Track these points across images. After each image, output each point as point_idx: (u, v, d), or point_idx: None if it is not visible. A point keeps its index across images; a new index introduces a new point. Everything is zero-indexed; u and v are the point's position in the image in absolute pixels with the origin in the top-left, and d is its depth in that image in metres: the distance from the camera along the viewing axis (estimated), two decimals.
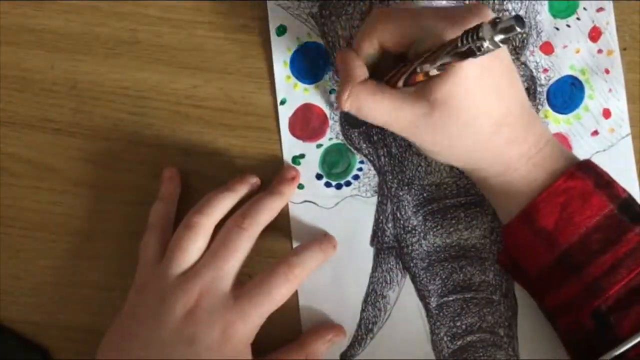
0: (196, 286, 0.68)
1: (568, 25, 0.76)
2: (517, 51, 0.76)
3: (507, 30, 0.55)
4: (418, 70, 0.64)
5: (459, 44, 0.58)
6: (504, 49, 0.66)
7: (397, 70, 0.67)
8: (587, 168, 0.67)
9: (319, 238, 0.74)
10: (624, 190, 0.67)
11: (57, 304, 0.77)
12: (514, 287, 0.76)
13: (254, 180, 0.75)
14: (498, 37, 0.56)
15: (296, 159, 0.77)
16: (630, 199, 0.67)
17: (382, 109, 0.67)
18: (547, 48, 0.76)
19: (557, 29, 0.76)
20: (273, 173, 0.76)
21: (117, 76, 0.77)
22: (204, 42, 0.77)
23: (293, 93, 0.77)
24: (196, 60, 0.77)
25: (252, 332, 0.69)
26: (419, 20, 0.65)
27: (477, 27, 0.56)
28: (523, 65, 0.76)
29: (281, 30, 0.76)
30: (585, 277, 0.66)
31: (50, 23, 0.77)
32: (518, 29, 0.54)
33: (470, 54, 0.58)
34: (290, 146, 0.77)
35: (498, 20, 0.56)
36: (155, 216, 0.75)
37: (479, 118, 0.65)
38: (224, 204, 0.72)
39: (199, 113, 0.77)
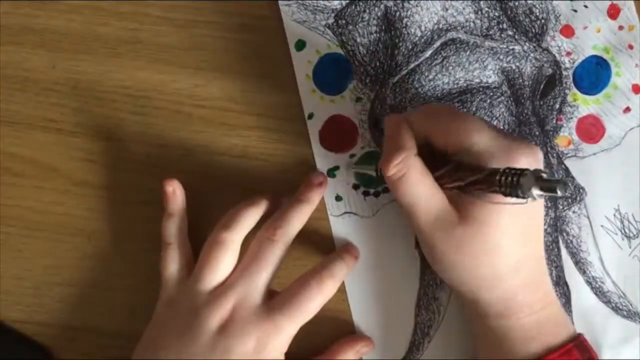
0: (229, 301, 0.68)
1: (585, 6, 0.76)
2: (537, 38, 0.76)
3: (548, 189, 0.54)
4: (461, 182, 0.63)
5: (498, 179, 0.57)
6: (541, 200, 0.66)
7: (443, 172, 0.65)
8: (583, 347, 0.66)
9: (339, 251, 0.74)
10: None
11: (58, 303, 0.75)
12: (564, 273, 0.75)
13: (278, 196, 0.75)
14: (536, 191, 0.54)
15: (331, 172, 0.76)
16: None
17: (424, 188, 0.64)
18: (568, 31, 0.76)
19: (575, 10, 0.76)
20: (273, 172, 0.76)
21: (118, 76, 0.77)
22: (205, 41, 0.78)
23: (320, 106, 0.77)
24: (197, 60, 0.77)
25: (286, 343, 0.69)
26: (472, 130, 0.63)
27: (521, 172, 0.55)
28: (545, 51, 0.76)
29: (300, 45, 0.77)
30: None
31: (51, 23, 0.78)
32: (559, 193, 0.53)
33: (504, 192, 0.57)
34: (324, 159, 0.76)
35: (543, 174, 0.55)
36: (171, 233, 0.73)
37: (504, 252, 0.63)
38: (251, 218, 0.72)
39: (200, 113, 0.77)
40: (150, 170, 0.76)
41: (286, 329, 0.68)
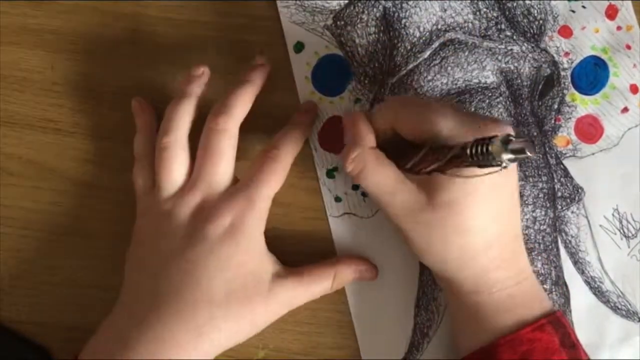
0: (196, 195, 0.70)
1: (583, 7, 0.77)
2: (535, 38, 0.77)
3: (518, 151, 0.54)
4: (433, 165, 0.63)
5: (468, 152, 0.57)
6: (514, 174, 0.66)
7: (418, 159, 0.65)
8: (558, 323, 0.65)
9: (293, 119, 0.75)
10: (586, 354, 0.66)
11: (57, 304, 0.75)
12: (563, 274, 0.75)
13: (201, 71, 0.74)
14: (507, 156, 0.54)
15: (331, 173, 0.76)
16: None
17: (385, 179, 0.65)
18: (566, 31, 0.77)
19: (573, 11, 0.77)
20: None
21: (117, 76, 0.77)
22: (204, 42, 0.78)
23: (319, 107, 0.77)
24: (196, 60, 0.75)
25: (262, 218, 0.71)
26: (437, 117, 0.64)
27: (489, 140, 0.55)
28: (544, 52, 0.76)
29: (299, 47, 0.77)
30: None
31: (50, 23, 0.78)
32: (528, 153, 0.53)
33: (477, 164, 0.57)
34: (323, 160, 0.77)
35: (511, 138, 0.54)
36: (139, 147, 0.74)
37: (475, 232, 0.64)
38: (186, 113, 0.72)
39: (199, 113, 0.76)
40: None
41: (258, 200, 0.70)
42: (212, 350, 0.68)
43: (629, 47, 0.76)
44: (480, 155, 0.55)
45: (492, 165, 0.55)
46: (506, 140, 0.54)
